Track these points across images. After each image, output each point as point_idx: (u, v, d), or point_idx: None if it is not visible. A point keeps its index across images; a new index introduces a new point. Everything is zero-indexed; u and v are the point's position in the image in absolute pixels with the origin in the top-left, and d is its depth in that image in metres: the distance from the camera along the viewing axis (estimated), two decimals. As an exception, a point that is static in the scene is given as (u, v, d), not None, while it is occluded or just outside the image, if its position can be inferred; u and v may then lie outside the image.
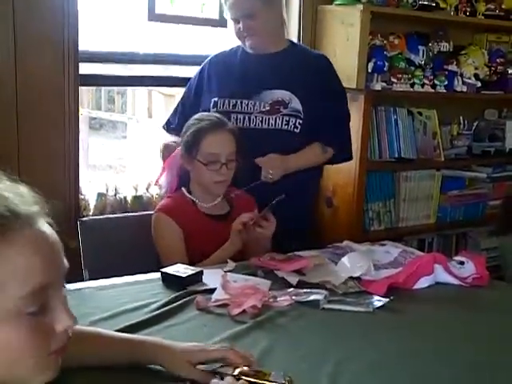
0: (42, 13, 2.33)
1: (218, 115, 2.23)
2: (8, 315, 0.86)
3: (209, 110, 2.37)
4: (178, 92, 4.92)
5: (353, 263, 1.94)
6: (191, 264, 1.90)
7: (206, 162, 2.10)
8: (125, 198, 2.71)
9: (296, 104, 2.36)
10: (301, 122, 2.36)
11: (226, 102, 2.39)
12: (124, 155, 6.79)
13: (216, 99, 2.41)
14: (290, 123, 2.36)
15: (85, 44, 2.49)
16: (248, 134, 2.28)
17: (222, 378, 1.22)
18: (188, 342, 1.32)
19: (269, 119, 2.36)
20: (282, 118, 2.36)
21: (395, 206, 3.27)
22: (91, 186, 2.71)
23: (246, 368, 1.23)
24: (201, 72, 2.53)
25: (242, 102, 2.39)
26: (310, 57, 2.53)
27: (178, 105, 2.59)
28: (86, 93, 6.43)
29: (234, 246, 2.06)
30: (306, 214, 2.54)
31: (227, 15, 2.43)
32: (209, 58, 2.55)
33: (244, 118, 2.38)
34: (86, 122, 6.73)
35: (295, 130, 2.36)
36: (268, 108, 2.37)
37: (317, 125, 2.39)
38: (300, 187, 2.39)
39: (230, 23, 2.47)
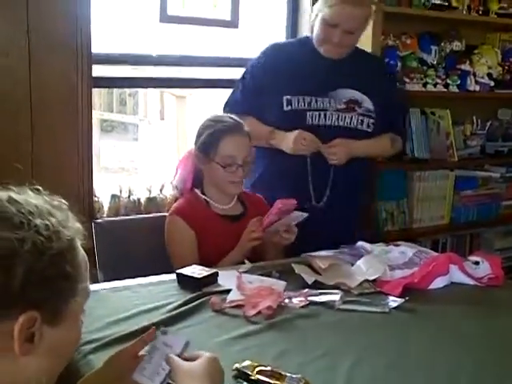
0: (55, 16, 2.34)
1: (233, 117, 2.20)
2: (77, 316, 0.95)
3: (281, 108, 2.32)
4: (190, 93, 4.91)
5: (369, 267, 1.93)
6: (206, 265, 1.90)
7: (223, 164, 2.10)
8: (138, 199, 2.71)
9: (368, 104, 2.40)
10: (373, 121, 2.40)
11: (301, 99, 2.33)
12: (136, 157, 6.80)
13: (289, 97, 2.32)
14: (365, 122, 2.39)
15: (98, 46, 2.49)
16: (323, 131, 2.32)
17: (242, 376, 1.23)
18: (203, 342, 1.32)
19: (345, 117, 2.37)
20: (358, 117, 2.38)
21: (409, 207, 3.25)
22: (105, 188, 2.71)
23: (264, 368, 1.24)
24: (264, 63, 2.42)
25: (316, 100, 2.34)
26: (373, 59, 2.65)
27: (238, 89, 2.46)
28: (97, 94, 6.44)
29: (242, 249, 2.08)
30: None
31: (320, 13, 2.31)
32: (269, 50, 2.45)
33: (319, 115, 2.35)
34: (98, 123, 6.74)
35: (368, 129, 2.40)
36: (344, 106, 2.37)
37: (388, 123, 2.47)
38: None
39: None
